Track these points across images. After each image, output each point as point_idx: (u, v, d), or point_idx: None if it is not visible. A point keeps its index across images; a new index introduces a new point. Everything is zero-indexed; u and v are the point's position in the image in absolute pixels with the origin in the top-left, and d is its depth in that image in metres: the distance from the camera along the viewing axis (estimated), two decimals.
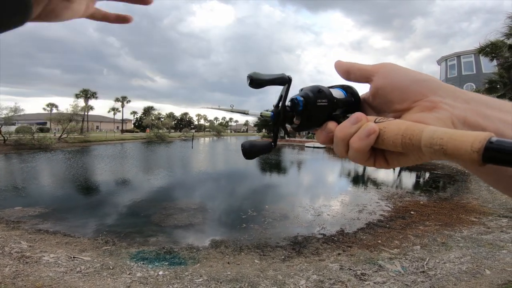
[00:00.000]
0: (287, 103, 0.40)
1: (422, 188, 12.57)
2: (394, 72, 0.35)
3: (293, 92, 0.42)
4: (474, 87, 24.54)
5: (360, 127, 0.32)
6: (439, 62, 32.98)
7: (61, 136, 33.23)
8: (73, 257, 4.62)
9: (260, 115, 0.48)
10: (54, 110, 51.64)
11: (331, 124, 0.36)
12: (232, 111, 0.56)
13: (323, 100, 0.38)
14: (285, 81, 0.39)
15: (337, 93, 0.40)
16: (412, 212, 7.95)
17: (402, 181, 14.86)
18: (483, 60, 19.73)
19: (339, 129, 0.34)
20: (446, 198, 9.89)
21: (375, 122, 0.32)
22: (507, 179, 0.29)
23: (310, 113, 0.38)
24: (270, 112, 0.42)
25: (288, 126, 0.42)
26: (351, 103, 0.40)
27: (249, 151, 0.40)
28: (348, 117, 0.36)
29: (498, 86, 14.22)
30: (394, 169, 19.16)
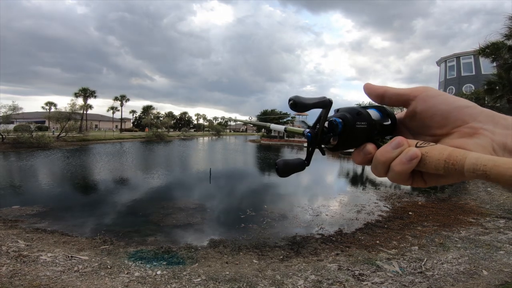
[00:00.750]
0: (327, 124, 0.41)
1: (420, 189, 12.58)
2: (435, 98, 0.35)
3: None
4: (473, 88, 24.58)
5: (401, 151, 0.33)
6: (438, 63, 33.04)
7: (59, 134, 33.12)
8: (71, 256, 4.61)
9: (285, 130, 0.50)
10: (53, 109, 51.42)
11: (370, 146, 0.37)
12: (253, 123, 0.57)
13: (362, 123, 0.38)
14: (326, 104, 0.39)
15: (373, 114, 0.40)
16: (410, 213, 7.96)
17: None
18: (483, 61, 19.80)
19: (381, 153, 0.35)
20: (444, 199, 9.91)
21: (416, 146, 0.33)
22: None
23: (348, 135, 0.39)
24: (302, 129, 0.43)
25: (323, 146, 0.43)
26: (389, 125, 0.40)
27: (283, 168, 0.41)
28: (386, 139, 0.37)
29: (497, 88, 14.25)
30: None
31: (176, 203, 8.88)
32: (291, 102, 0.38)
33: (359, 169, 19.95)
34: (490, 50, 12.76)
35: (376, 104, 0.41)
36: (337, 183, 14.79)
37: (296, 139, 52.15)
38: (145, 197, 9.80)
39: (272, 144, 44.91)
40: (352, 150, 0.41)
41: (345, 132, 0.39)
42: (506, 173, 0.24)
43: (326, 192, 12.05)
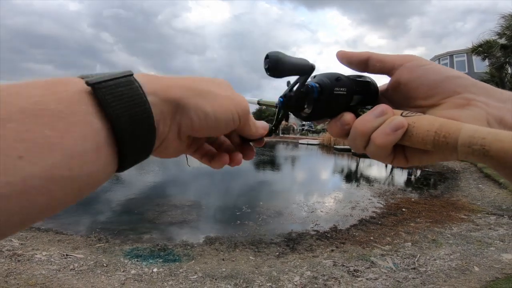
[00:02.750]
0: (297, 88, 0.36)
1: (414, 185, 12.77)
2: (423, 67, 0.33)
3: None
4: None
5: (385, 120, 0.29)
6: (432, 60, 33.42)
7: None
8: (66, 254, 4.59)
9: (258, 103, 0.45)
10: None
11: (348, 116, 0.33)
12: None
13: (341, 89, 0.34)
14: (307, 71, 0.35)
15: (359, 78, 0.37)
16: (403, 209, 8.07)
17: (394, 178, 15.06)
18: (475, 59, 20.05)
19: (360, 122, 0.31)
20: (436, 196, 10.07)
21: (401, 115, 0.29)
22: None
23: (325, 102, 0.34)
24: (275, 101, 0.39)
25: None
26: (370, 94, 0.36)
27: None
28: (367, 109, 0.33)
29: None
30: (386, 166, 19.45)
31: (171, 201, 8.87)
32: (267, 62, 0.33)
33: (353, 165, 20.12)
34: (483, 49, 12.96)
35: (360, 74, 0.37)
36: (332, 180, 14.91)
37: (291, 135, 52.28)
38: (140, 195, 9.76)
39: (267, 141, 44.71)
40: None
41: (322, 98, 0.34)
42: (508, 147, 0.21)
43: (321, 189, 12.14)
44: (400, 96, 0.34)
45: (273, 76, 0.34)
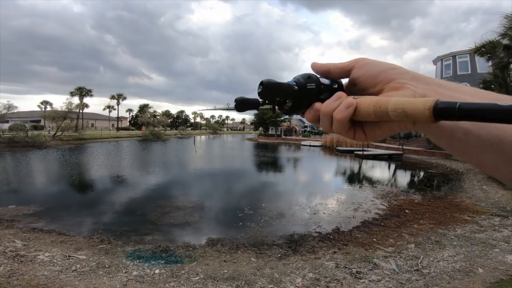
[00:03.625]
0: None
1: (417, 187, 12.68)
2: (367, 64, 0.42)
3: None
4: (469, 86, 24.69)
5: (341, 102, 0.38)
6: (435, 62, 33.17)
7: (55, 134, 32.88)
8: (69, 256, 4.60)
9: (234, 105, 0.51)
10: (49, 108, 50.99)
11: (318, 104, 0.42)
12: (228, 109, 0.58)
13: (312, 84, 0.43)
14: (291, 92, 0.43)
15: (324, 81, 0.45)
16: (406, 211, 8.02)
17: (397, 180, 14.97)
18: (478, 60, 19.94)
19: (324, 106, 0.40)
20: (440, 197, 10.00)
21: (352, 98, 0.38)
22: (457, 142, 0.35)
23: (301, 96, 0.43)
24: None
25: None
26: (335, 89, 0.45)
27: (240, 104, 0.44)
28: None
29: (492, 86, 14.35)
30: (389, 168, 19.36)
31: (174, 202, 8.88)
32: (260, 88, 0.42)
33: (356, 167, 20.03)
34: (486, 49, 12.83)
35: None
36: (335, 181, 14.84)
37: (293, 137, 52.21)
38: (142, 196, 9.78)
39: (269, 143, 44.93)
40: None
41: (298, 93, 0.43)
42: (417, 107, 0.30)
43: (323, 190, 12.10)
44: (357, 89, 0.44)
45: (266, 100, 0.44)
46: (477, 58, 16.06)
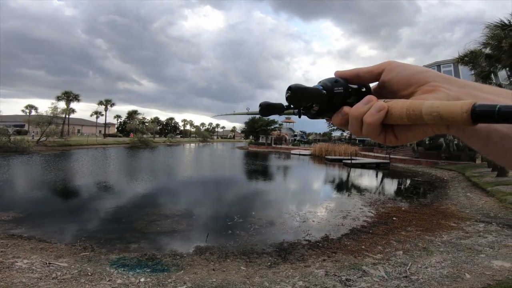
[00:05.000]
0: None
1: (404, 195, 12.87)
2: (399, 67, 0.42)
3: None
4: None
5: (371, 106, 0.38)
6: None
7: (39, 139, 31.95)
8: (49, 263, 4.40)
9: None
10: (33, 112, 49.62)
11: (346, 108, 0.41)
12: (248, 113, 0.62)
13: (339, 88, 0.43)
14: (320, 97, 0.43)
15: (353, 85, 0.45)
16: (394, 218, 8.10)
17: (385, 188, 15.18)
18: (462, 69, 20.62)
19: (354, 109, 0.39)
20: (426, 204, 10.16)
21: (383, 101, 0.38)
22: (493, 145, 0.34)
23: (328, 100, 0.43)
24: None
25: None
26: (364, 92, 0.44)
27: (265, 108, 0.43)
28: None
29: None
30: (376, 176, 19.62)
31: (161, 210, 8.68)
32: (289, 93, 0.41)
33: (344, 175, 20.23)
34: (469, 58, 13.30)
35: None
36: (324, 189, 14.92)
37: (283, 146, 52.46)
38: (129, 204, 9.54)
39: (260, 151, 44.95)
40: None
41: (325, 97, 0.43)
42: (454, 110, 0.30)
43: (312, 199, 12.12)
44: (387, 92, 0.43)
45: (293, 106, 0.43)
46: (460, 67, 16.66)
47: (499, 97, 0.35)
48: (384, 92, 0.44)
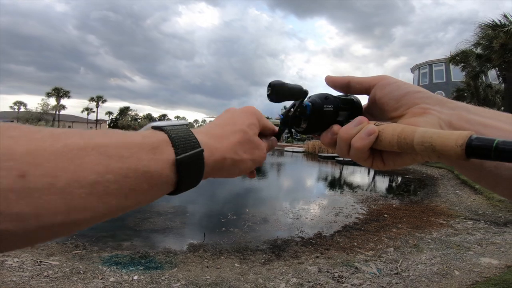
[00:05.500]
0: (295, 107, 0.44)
1: (395, 192, 13.08)
2: (390, 85, 0.40)
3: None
4: (444, 95, 25.94)
5: (361, 128, 0.36)
6: (412, 70, 34.68)
7: None
8: (40, 261, 4.34)
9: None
10: (22, 109, 48.62)
11: (336, 127, 0.40)
12: None
13: (329, 106, 0.42)
14: (301, 95, 0.43)
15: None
16: (385, 215, 8.23)
17: (376, 185, 15.39)
18: (453, 68, 20.96)
19: (343, 130, 0.38)
20: (417, 202, 10.35)
21: (374, 124, 0.36)
22: (487, 174, 0.32)
23: (316, 118, 0.42)
24: (280, 116, 0.46)
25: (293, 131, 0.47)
26: (354, 110, 0.43)
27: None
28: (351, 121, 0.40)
29: (465, 95, 15.09)
30: (368, 173, 19.86)
31: (154, 207, 8.63)
32: (269, 90, 0.41)
33: (337, 172, 20.42)
34: (460, 58, 13.52)
35: (347, 94, 0.45)
36: (317, 187, 15.05)
37: (278, 143, 52.56)
38: None
39: None
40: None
41: (314, 114, 0.42)
42: (448, 143, 0.28)
43: (306, 196, 12.22)
44: (377, 110, 0.41)
45: (274, 101, 0.42)
46: (452, 67, 16.94)
47: (494, 121, 0.32)
48: (375, 110, 0.42)
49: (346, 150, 0.38)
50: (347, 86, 0.43)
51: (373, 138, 0.35)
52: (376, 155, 0.37)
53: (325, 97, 0.42)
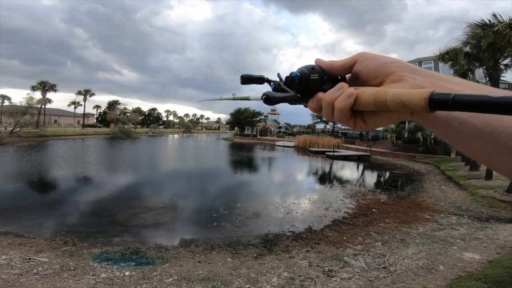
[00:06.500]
0: (284, 78, 0.49)
1: (383, 187, 13.34)
2: (369, 59, 0.45)
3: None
4: None
5: (342, 92, 0.41)
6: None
7: (13, 130, 30.40)
8: (29, 258, 4.27)
9: (261, 98, 0.53)
10: (6, 103, 47.04)
11: (321, 94, 0.45)
12: (234, 99, 0.63)
13: (315, 75, 0.46)
14: (294, 100, 0.47)
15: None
16: (373, 210, 8.41)
17: (365, 180, 15.65)
18: (442, 66, 21.26)
19: (327, 95, 0.43)
20: (403, 197, 10.60)
21: (354, 89, 0.41)
22: (453, 131, 0.37)
23: (304, 85, 0.46)
24: (273, 86, 0.50)
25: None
26: (338, 80, 0.47)
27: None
28: None
29: None
30: (358, 168, 20.19)
31: (144, 203, 8.57)
32: (264, 97, 0.45)
33: (327, 167, 20.66)
34: (449, 56, 13.72)
35: None
36: (307, 181, 15.20)
37: (268, 137, 52.66)
38: (110, 196, 9.34)
39: (245, 143, 44.92)
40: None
41: (302, 83, 0.46)
42: (414, 98, 0.32)
43: (296, 190, 12.33)
44: (359, 82, 0.45)
45: (270, 105, 0.46)
46: (440, 64, 17.18)
47: (461, 87, 0.38)
48: (357, 82, 0.47)
49: (330, 113, 0.42)
50: (330, 69, 0.47)
51: (352, 100, 0.39)
52: (358, 116, 0.42)
53: (312, 68, 0.47)
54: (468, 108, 0.29)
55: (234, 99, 0.64)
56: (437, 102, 0.31)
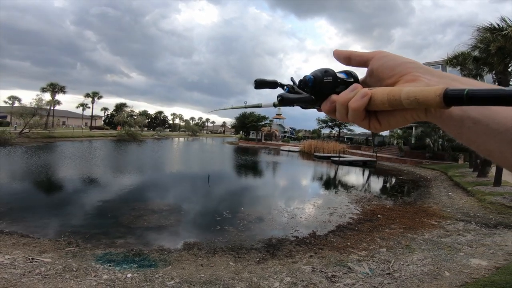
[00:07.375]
0: (298, 81, 0.50)
1: (389, 193, 13.18)
2: (386, 57, 0.45)
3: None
4: None
5: (356, 93, 0.41)
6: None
7: (22, 130, 30.95)
8: (32, 258, 4.30)
9: (273, 105, 0.55)
10: (17, 104, 47.94)
11: (334, 96, 0.45)
12: (246, 107, 0.63)
13: (328, 78, 0.47)
14: (308, 102, 0.47)
15: (341, 76, 0.49)
16: (379, 216, 8.30)
17: (371, 186, 15.48)
18: (450, 71, 21.10)
19: (341, 96, 0.43)
20: (410, 203, 10.44)
21: (368, 89, 0.41)
22: (466, 130, 0.36)
23: (318, 88, 0.46)
24: (286, 89, 0.51)
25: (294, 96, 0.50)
26: (351, 82, 0.48)
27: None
28: None
29: None
30: (363, 174, 20.01)
31: (148, 205, 8.60)
32: (279, 98, 0.46)
33: (332, 172, 20.51)
34: (458, 61, 13.53)
35: (346, 70, 0.51)
36: (312, 186, 15.09)
37: (273, 142, 52.63)
38: (115, 198, 9.40)
39: (250, 147, 44.95)
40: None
41: (315, 86, 0.46)
42: (429, 94, 0.32)
43: (301, 195, 12.25)
44: (374, 80, 0.46)
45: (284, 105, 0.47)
46: (448, 69, 17.01)
47: (474, 87, 0.38)
48: (371, 79, 0.47)
49: (344, 114, 0.42)
50: (349, 58, 0.48)
51: (366, 100, 0.39)
52: (372, 116, 0.41)
53: (325, 71, 0.47)
54: (483, 102, 0.29)
55: (246, 107, 0.63)
56: (452, 97, 0.31)
